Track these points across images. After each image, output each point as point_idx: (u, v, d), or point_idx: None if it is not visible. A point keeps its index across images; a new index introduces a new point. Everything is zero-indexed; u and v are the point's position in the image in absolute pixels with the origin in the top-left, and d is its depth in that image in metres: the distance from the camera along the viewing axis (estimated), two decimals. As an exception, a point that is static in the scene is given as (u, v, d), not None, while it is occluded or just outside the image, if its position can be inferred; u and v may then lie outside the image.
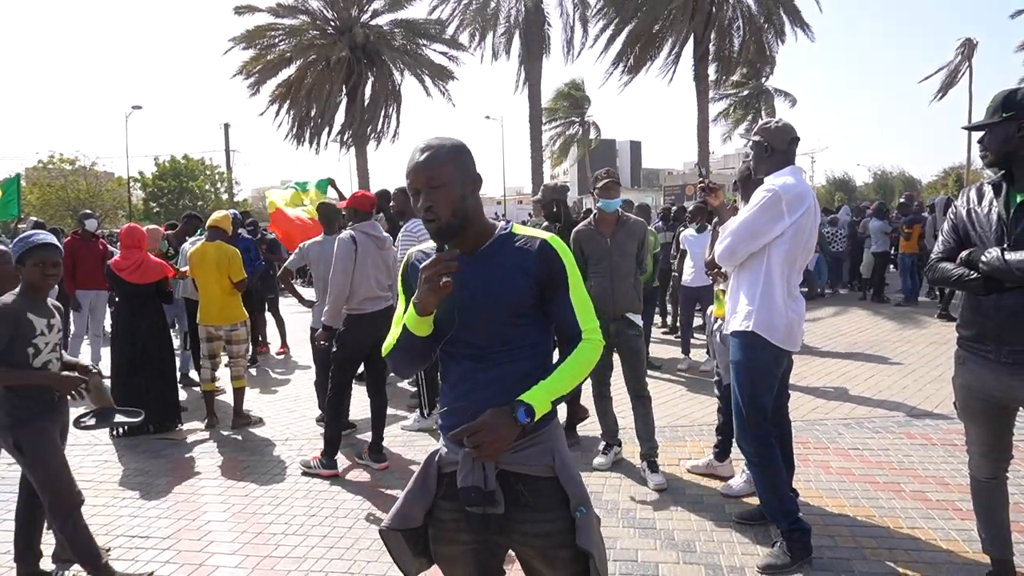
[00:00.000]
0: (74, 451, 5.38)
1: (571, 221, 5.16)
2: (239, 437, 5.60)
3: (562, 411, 4.89)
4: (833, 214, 14.20)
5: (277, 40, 25.05)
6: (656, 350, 8.21)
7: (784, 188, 3.06)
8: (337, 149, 26.92)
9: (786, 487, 3.29)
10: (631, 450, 4.61)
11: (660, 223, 10.55)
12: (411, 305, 1.70)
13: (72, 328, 8.50)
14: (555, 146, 42.94)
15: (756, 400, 3.18)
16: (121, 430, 5.56)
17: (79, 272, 7.75)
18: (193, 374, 7.25)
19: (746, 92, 33.60)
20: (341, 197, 6.79)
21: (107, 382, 3.72)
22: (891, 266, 13.45)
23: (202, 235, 7.13)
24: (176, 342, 7.08)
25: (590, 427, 5.07)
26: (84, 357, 3.39)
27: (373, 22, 25.65)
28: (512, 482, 1.70)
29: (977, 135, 2.63)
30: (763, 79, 28.38)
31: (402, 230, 5.46)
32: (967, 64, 42.78)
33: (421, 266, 1.65)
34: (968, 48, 42.87)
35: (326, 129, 26.13)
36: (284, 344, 9.31)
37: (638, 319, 4.39)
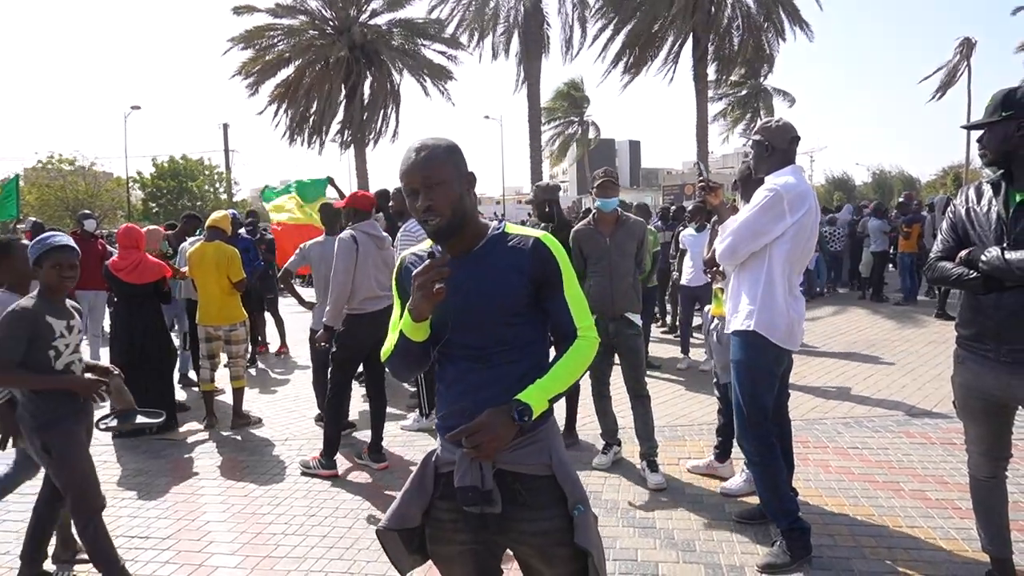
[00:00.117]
0: (73, 451, 5.38)
1: (564, 221, 5.18)
2: (238, 437, 5.60)
3: (561, 411, 4.89)
4: (832, 213, 14.20)
5: (276, 40, 25.03)
6: (655, 350, 8.21)
7: (786, 187, 3.06)
8: (336, 149, 26.95)
9: (786, 486, 3.30)
10: (631, 450, 4.61)
11: (659, 223, 10.55)
12: (407, 311, 1.70)
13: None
14: (554, 146, 42.93)
15: (757, 399, 3.18)
16: (120, 431, 5.56)
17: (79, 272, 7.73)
18: (192, 374, 7.24)
19: (744, 92, 33.63)
20: (341, 195, 6.77)
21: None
22: (890, 265, 13.46)
23: (201, 235, 7.13)
24: (176, 342, 7.08)
25: (590, 427, 5.07)
26: (84, 356, 3.37)
27: (372, 22, 25.64)
28: (509, 481, 1.70)
29: (976, 134, 2.63)
30: (762, 78, 28.37)
31: (401, 230, 5.46)
32: (965, 63, 42.83)
33: (414, 272, 1.65)
34: (967, 47, 42.93)
35: (325, 129, 26.10)
36: (283, 344, 9.31)
37: (637, 318, 4.40)
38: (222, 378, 6.37)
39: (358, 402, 6.17)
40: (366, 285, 4.68)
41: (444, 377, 1.80)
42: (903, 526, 3.53)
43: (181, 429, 5.79)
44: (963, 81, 42.84)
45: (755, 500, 3.73)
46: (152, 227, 7.43)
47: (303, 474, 4.64)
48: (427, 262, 1.63)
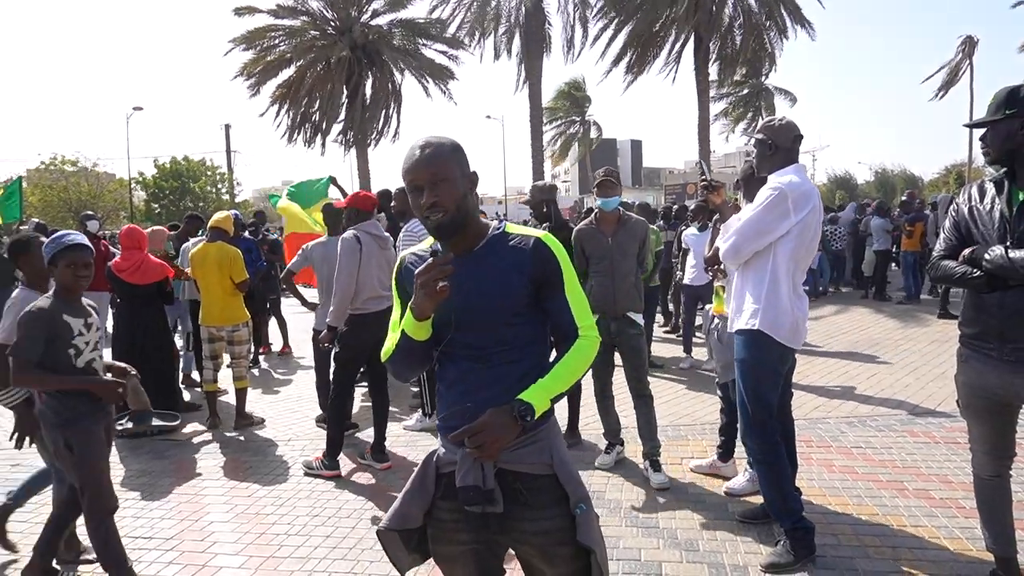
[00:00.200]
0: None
1: (561, 221, 5.19)
2: (242, 438, 5.60)
3: (562, 412, 4.89)
4: (834, 212, 14.18)
5: (277, 41, 25.07)
6: (658, 349, 8.21)
7: (790, 186, 3.06)
8: (338, 149, 26.97)
9: (791, 485, 3.29)
10: (634, 449, 4.61)
11: (661, 222, 10.54)
12: (409, 310, 1.69)
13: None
14: (556, 145, 42.95)
15: (761, 398, 3.18)
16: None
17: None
18: (196, 375, 7.25)
19: (746, 91, 33.60)
20: (344, 194, 6.77)
21: None
22: (893, 264, 13.44)
23: (203, 236, 7.14)
24: (179, 343, 7.09)
25: (592, 427, 5.07)
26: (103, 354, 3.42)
27: (373, 22, 25.66)
28: (510, 481, 1.70)
29: (978, 132, 2.63)
30: (763, 77, 28.33)
31: (403, 230, 5.46)
32: (968, 62, 42.74)
33: (417, 271, 1.65)
34: (969, 46, 42.84)
35: (327, 129, 26.13)
36: (286, 344, 9.32)
37: (639, 318, 4.39)
38: (225, 379, 6.37)
39: (360, 402, 6.18)
40: (369, 285, 4.68)
41: (444, 377, 1.80)
42: (907, 525, 3.53)
43: (185, 430, 5.79)
44: (965, 79, 42.77)
45: (758, 500, 3.73)
46: (156, 228, 7.44)
47: (306, 474, 4.64)
48: (430, 260, 1.62)
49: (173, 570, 3.42)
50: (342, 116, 25.81)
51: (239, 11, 24.22)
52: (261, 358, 8.79)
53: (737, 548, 3.36)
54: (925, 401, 5.77)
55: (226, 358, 6.04)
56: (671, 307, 10.02)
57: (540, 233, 1.79)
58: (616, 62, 24.91)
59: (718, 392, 4.33)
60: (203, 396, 6.19)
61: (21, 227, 11.19)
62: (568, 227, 5.22)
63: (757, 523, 3.57)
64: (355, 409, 5.55)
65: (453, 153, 1.72)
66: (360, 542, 3.60)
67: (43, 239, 3.32)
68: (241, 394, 5.86)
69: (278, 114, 25.72)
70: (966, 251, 2.54)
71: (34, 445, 3.43)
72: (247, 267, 6.04)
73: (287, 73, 25.16)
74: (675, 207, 11.98)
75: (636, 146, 70.54)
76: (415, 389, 6.29)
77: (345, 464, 4.76)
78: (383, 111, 26.19)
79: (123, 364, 3.29)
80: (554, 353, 1.82)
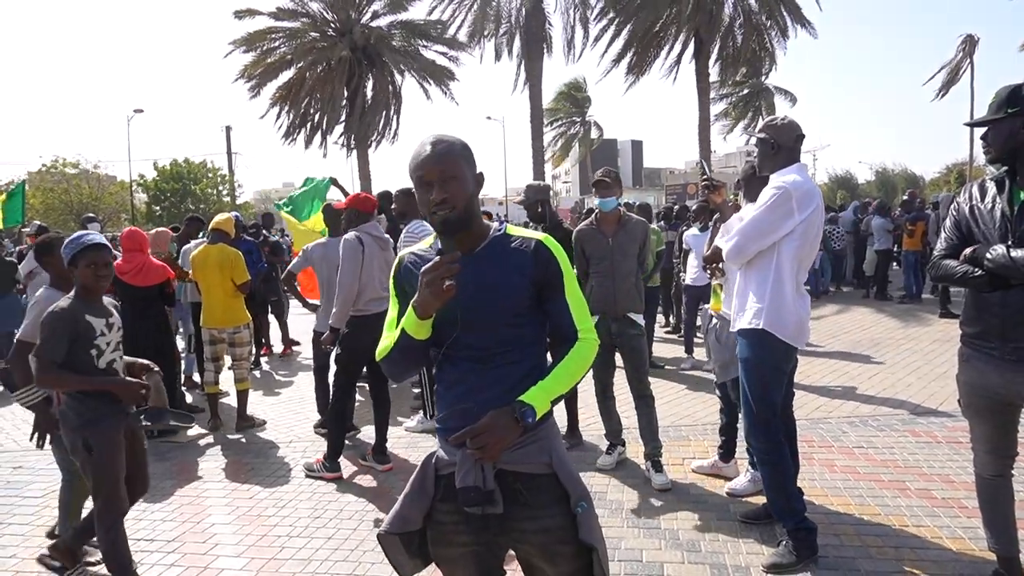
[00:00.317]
0: (79, 454, 5.39)
1: (556, 222, 5.19)
2: (243, 439, 5.61)
3: (561, 413, 4.89)
4: (834, 212, 14.17)
5: (277, 43, 25.05)
6: (659, 350, 8.21)
7: (794, 185, 3.07)
8: (338, 151, 26.96)
9: (794, 485, 3.29)
10: (635, 450, 4.61)
11: (662, 222, 10.54)
12: (411, 308, 1.69)
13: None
14: (556, 146, 42.94)
15: (766, 397, 3.18)
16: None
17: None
18: (197, 377, 7.25)
19: (746, 91, 33.57)
20: (345, 194, 6.76)
21: None
22: (894, 264, 13.43)
23: (204, 238, 7.14)
24: (181, 345, 7.09)
25: (594, 427, 5.07)
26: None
27: (373, 24, 25.65)
28: (510, 481, 1.70)
29: (979, 131, 2.62)
30: (763, 77, 28.31)
31: (404, 231, 5.45)
32: (968, 61, 42.70)
33: (422, 268, 1.64)
34: (970, 44, 42.79)
35: (328, 131, 26.13)
36: (287, 346, 9.33)
37: (640, 318, 4.39)
38: (226, 380, 6.38)
39: (361, 404, 6.17)
40: (371, 287, 4.68)
41: (444, 378, 1.80)
42: (909, 525, 3.52)
43: (190, 433, 5.79)
44: (966, 78, 42.72)
45: (760, 500, 3.73)
46: (160, 229, 7.45)
47: (307, 476, 4.64)
48: (437, 258, 1.62)
49: (175, 572, 3.42)
50: (343, 118, 25.81)
51: (239, 14, 24.21)
52: (262, 360, 8.79)
53: (739, 549, 3.36)
54: (927, 401, 5.76)
55: (227, 360, 6.04)
56: (672, 306, 10.02)
57: (541, 235, 1.79)
58: (616, 62, 24.90)
59: (717, 392, 4.33)
60: (204, 398, 6.20)
61: (23, 229, 11.22)
62: (562, 227, 5.22)
63: (759, 523, 3.57)
64: (355, 411, 5.54)
65: (463, 152, 1.73)
66: (362, 544, 3.60)
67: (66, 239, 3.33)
68: (242, 396, 5.86)
69: (279, 116, 25.71)
70: (967, 250, 2.54)
71: (51, 444, 3.43)
72: (248, 269, 6.04)
73: (287, 75, 25.15)
74: (676, 207, 11.98)
75: (637, 146, 70.53)
76: (416, 391, 6.29)
77: (346, 466, 4.75)
78: (383, 112, 26.16)
79: (146, 361, 3.30)
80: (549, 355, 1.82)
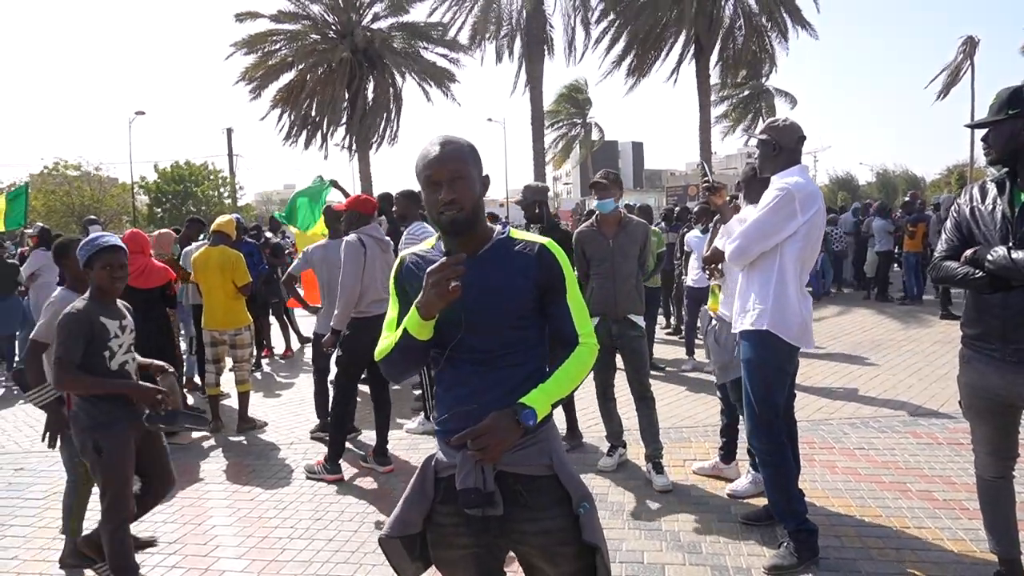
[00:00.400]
0: (80, 456, 5.40)
1: (553, 223, 5.18)
2: (244, 441, 5.61)
3: (559, 415, 4.88)
4: (834, 213, 14.18)
5: (279, 45, 25.09)
6: (660, 351, 8.21)
7: (797, 187, 3.07)
8: (339, 152, 26.99)
9: (796, 487, 3.28)
10: (636, 451, 4.60)
11: (663, 224, 10.54)
12: (414, 308, 1.68)
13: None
14: (557, 148, 42.95)
15: (768, 399, 3.18)
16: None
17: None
18: (198, 379, 7.26)
19: (746, 92, 33.57)
20: (346, 195, 6.76)
21: None
22: (895, 265, 13.43)
23: (205, 239, 7.14)
24: (182, 347, 7.10)
25: (594, 429, 5.07)
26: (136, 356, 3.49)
27: (374, 26, 25.68)
28: (510, 483, 1.70)
29: (980, 133, 2.62)
30: (764, 79, 28.33)
31: (405, 233, 5.45)
32: (969, 62, 42.69)
33: (428, 269, 1.64)
34: (970, 46, 42.78)
35: (329, 133, 26.16)
36: (288, 348, 9.33)
37: (640, 320, 4.39)
38: (227, 382, 6.38)
39: (362, 406, 6.17)
40: (373, 288, 4.69)
41: (444, 380, 1.80)
42: (910, 527, 3.52)
43: (194, 435, 5.79)
44: (966, 80, 42.71)
45: (761, 501, 3.73)
46: (163, 231, 7.45)
47: (308, 478, 4.64)
48: (443, 259, 1.62)
49: (176, 573, 3.42)
50: (343, 120, 25.84)
51: (240, 16, 24.27)
52: (263, 362, 8.80)
53: (740, 550, 3.36)
54: (928, 402, 5.76)
55: (228, 362, 6.05)
56: (672, 308, 10.02)
57: (544, 240, 1.80)
58: (617, 64, 24.94)
59: (718, 394, 4.33)
60: (206, 400, 6.20)
61: (25, 231, 11.23)
62: (559, 228, 5.23)
63: (760, 525, 3.57)
64: (356, 413, 5.53)
65: (471, 153, 1.75)
66: (363, 545, 3.60)
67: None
68: (243, 398, 5.86)
69: (280, 118, 25.74)
70: (968, 252, 2.54)
71: (60, 444, 3.44)
72: (249, 270, 6.05)
73: (288, 77, 25.18)
74: (677, 209, 11.98)
75: (638, 148, 70.58)
76: (417, 392, 6.29)
77: (347, 468, 4.75)
78: (384, 114, 26.19)
79: (161, 363, 3.31)
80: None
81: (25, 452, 5.62)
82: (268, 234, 11.92)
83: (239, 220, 7.68)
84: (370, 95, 25.67)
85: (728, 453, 4.29)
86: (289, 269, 5.88)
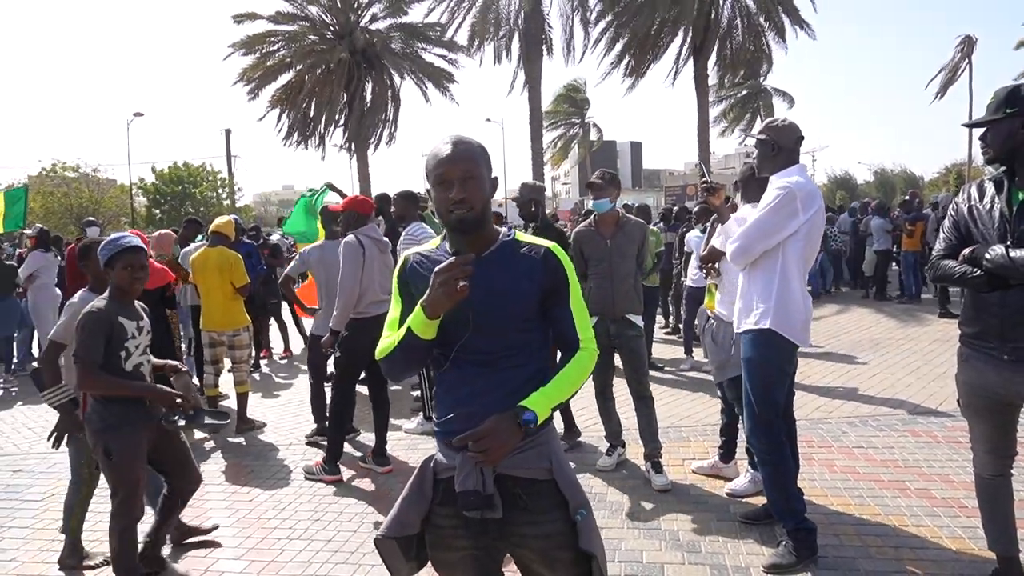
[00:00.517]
0: (78, 458, 5.39)
1: (547, 222, 5.18)
2: (243, 442, 5.60)
3: (556, 413, 4.89)
4: (832, 212, 14.21)
5: (277, 46, 25.09)
6: (659, 351, 8.21)
7: (797, 186, 3.09)
8: (338, 153, 26.99)
9: (795, 486, 3.29)
10: (635, 451, 4.61)
11: (661, 224, 10.54)
12: (419, 308, 1.67)
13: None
14: (556, 148, 42.97)
15: (768, 398, 3.18)
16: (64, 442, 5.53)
17: (82, 279, 7.80)
18: (197, 380, 7.25)
19: (744, 92, 33.61)
20: (343, 196, 6.75)
21: None
22: (894, 264, 13.46)
23: (203, 240, 7.14)
24: (181, 347, 7.09)
25: (593, 429, 5.07)
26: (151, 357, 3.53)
27: (373, 26, 25.68)
28: (510, 486, 1.70)
29: (978, 132, 2.63)
30: (761, 79, 28.35)
31: (403, 234, 5.45)
32: (967, 61, 42.76)
33: (436, 268, 1.63)
34: (968, 45, 42.85)
35: (326, 133, 26.17)
36: (287, 348, 9.33)
37: (638, 320, 4.39)
38: (226, 383, 6.38)
39: (360, 406, 6.17)
40: (371, 289, 4.68)
41: (445, 380, 1.79)
42: (909, 525, 3.52)
43: (196, 435, 5.79)
44: (964, 79, 42.79)
45: (760, 500, 3.73)
46: (163, 231, 7.44)
47: (307, 479, 4.64)
48: (452, 259, 1.62)
49: (174, 573, 3.41)
50: (342, 120, 25.83)
51: (238, 18, 24.26)
52: (262, 362, 8.79)
53: (739, 549, 3.36)
54: (926, 401, 5.76)
55: (227, 363, 6.04)
56: (671, 308, 10.03)
57: (550, 244, 1.80)
58: (616, 65, 24.96)
59: (718, 393, 4.33)
60: (204, 401, 6.19)
61: (25, 231, 11.22)
62: (554, 228, 5.23)
63: (759, 524, 3.57)
64: (355, 413, 5.51)
65: (482, 154, 1.75)
66: (362, 546, 3.60)
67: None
68: (242, 398, 5.86)
69: (279, 119, 25.75)
70: (966, 251, 2.54)
71: (68, 446, 3.45)
72: (247, 271, 6.04)
73: (286, 77, 25.19)
74: (675, 208, 11.99)
75: (636, 148, 70.66)
76: (416, 393, 6.29)
77: (346, 469, 4.75)
78: (382, 115, 26.20)
79: (175, 363, 3.31)
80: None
81: (23, 454, 5.61)
82: (275, 235, 11.93)
83: (237, 221, 7.68)
84: (368, 96, 25.67)
85: (727, 452, 4.29)
86: (286, 271, 5.86)
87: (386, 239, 5.06)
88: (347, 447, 5.01)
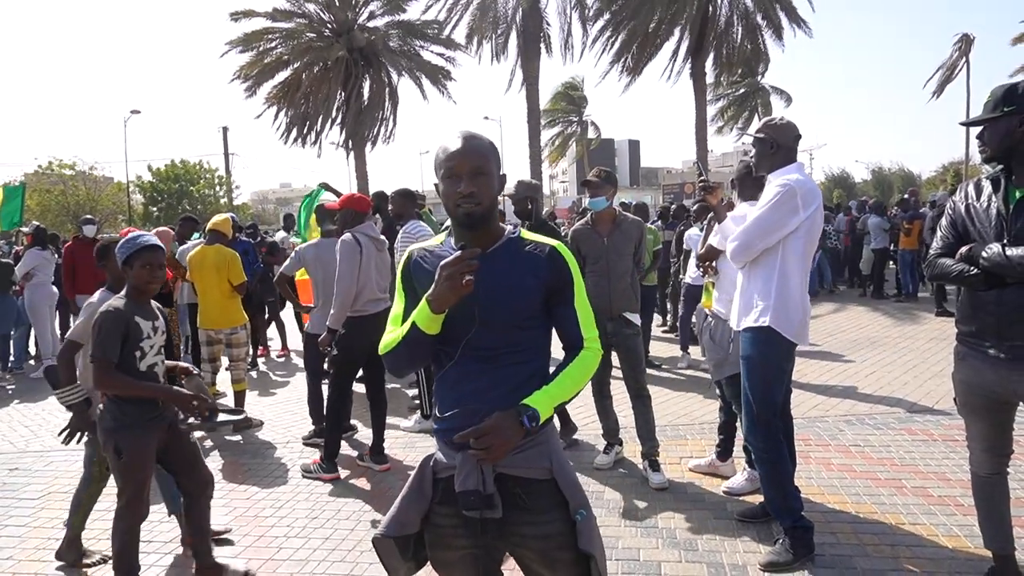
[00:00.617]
0: (74, 456, 5.36)
1: (541, 220, 5.18)
2: (240, 440, 5.59)
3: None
4: (829, 211, 14.26)
5: (274, 43, 24.99)
6: (656, 349, 8.21)
7: (798, 183, 3.10)
8: (335, 151, 26.93)
9: (792, 484, 3.29)
10: (632, 449, 4.61)
11: (659, 222, 10.54)
12: (424, 302, 1.67)
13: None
14: (554, 146, 42.96)
15: (767, 396, 3.18)
16: (76, 439, 5.52)
17: (79, 276, 7.79)
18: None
19: (742, 90, 33.62)
20: (337, 195, 6.73)
21: None
22: (891, 262, 13.49)
23: (200, 238, 7.12)
24: (179, 346, 7.08)
25: (590, 427, 5.07)
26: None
27: (370, 24, 25.62)
28: (510, 485, 1.69)
29: (975, 130, 2.63)
30: (759, 77, 28.35)
31: (401, 231, 5.44)
32: (964, 60, 42.80)
33: (442, 262, 1.63)
34: (965, 44, 42.88)
35: (325, 131, 26.11)
36: (284, 346, 9.32)
37: (636, 318, 4.40)
38: (223, 381, 6.37)
39: (358, 405, 6.17)
40: (368, 287, 4.67)
41: (447, 377, 1.77)
42: (905, 523, 3.53)
43: (196, 435, 5.78)
44: (961, 77, 42.83)
45: (757, 499, 3.74)
46: (162, 229, 7.43)
47: (304, 477, 4.64)
48: (457, 253, 1.62)
49: (172, 573, 3.42)
50: (339, 118, 25.78)
51: (235, 15, 24.17)
52: (259, 360, 8.79)
53: (736, 547, 3.37)
54: (923, 399, 5.78)
55: (224, 360, 6.03)
56: (668, 306, 10.03)
57: (555, 242, 1.80)
58: (614, 63, 24.90)
59: (716, 391, 4.33)
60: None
61: (22, 229, 11.21)
62: (547, 225, 5.23)
63: (756, 522, 3.58)
64: (352, 411, 5.51)
65: (492, 151, 1.75)
66: (359, 544, 3.60)
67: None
68: (239, 396, 5.85)
69: (276, 116, 25.66)
70: (963, 249, 2.54)
71: (82, 442, 3.45)
72: (244, 269, 6.03)
73: (284, 75, 25.09)
74: (673, 206, 11.99)
75: (634, 146, 70.73)
76: (414, 391, 6.29)
77: (344, 467, 4.75)
78: (380, 112, 26.15)
79: (186, 364, 3.31)
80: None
81: (20, 452, 5.60)
82: (282, 233, 11.90)
83: (234, 219, 7.67)
84: (366, 93, 25.61)
85: (725, 450, 4.30)
86: (281, 269, 5.82)
87: (383, 237, 5.04)
88: (344, 445, 5.01)
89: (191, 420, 3.17)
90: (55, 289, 8.72)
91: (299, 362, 8.69)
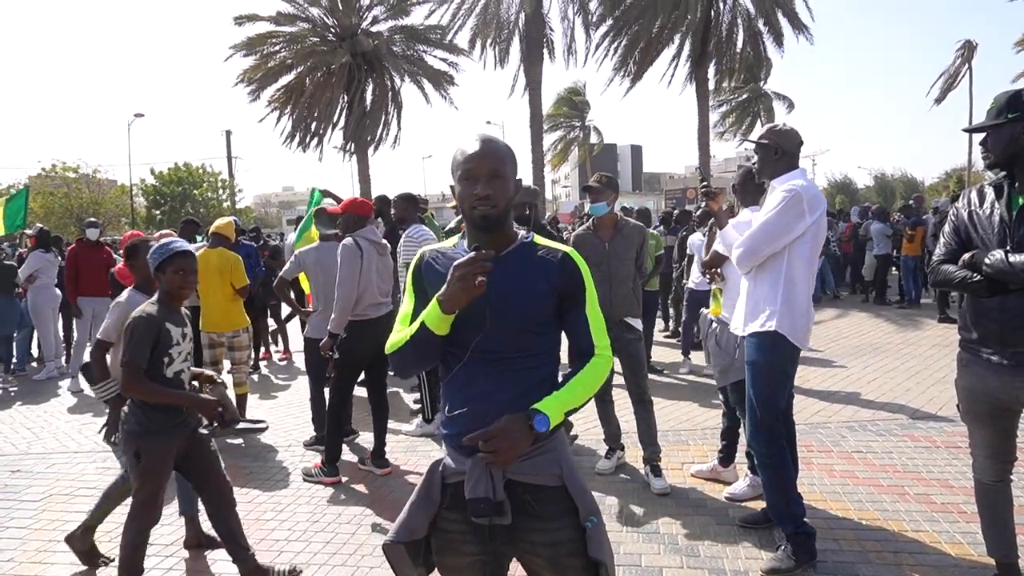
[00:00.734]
0: (76, 458, 5.39)
1: (540, 225, 5.18)
2: (242, 443, 5.59)
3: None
4: (832, 217, 14.31)
5: (278, 47, 25.07)
6: (658, 354, 8.21)
7: (804, 189, 3.10)
8: (338, 155, 26.96)
9: (795, 490, 3.29)
10: (634, 454, 4.60)
11: (661, 227, 10.55)
12: (435, 302, 1.67)
13: (75, 335, 8.54)
14: (556, 151, 43.03)
15: (771, 401, 3.18)
16: (114, 436, 5.54)
17: (82, 279, 7.81)
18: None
19: (744, 96, 33.66)
20: (337, 200, 6.73)
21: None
22: (894, 268, 13.49)
23: (202, 241, 7.14)
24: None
25: (592, 432, 5.06)
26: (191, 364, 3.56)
27: (374, 29, 25.69)
28: (519, 492, 1.68)
29: (978, 136, 2.63)
30: (761, 83, 28.38)
31: (403, 236, 5.45)
32: (967, 66, 42.83)
33: (455, 263, 1.63)
34: (968, 50, 42.94)
35: (327, 135, 26.16)
36: (286, 350, 9.32)
37: (637, 323, 4.39)
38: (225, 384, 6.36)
39: (359, 408, 6.16)
40: (370, 291, 4.67)
41: (455, 379, 1.77)
42: (908, 530, 3.52)
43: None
44: (964, 83, 42.86)
45: (759, 504, 3.73)
46: (165, 232, 7.44)
47: (306, 481, 4.63)
48: (471, 254, 1.62)
49: (173, 576, 3.42)
50: (343, 122, 25.84)
51: (239, 19, 24.26)
52: (261, 364, 8.79)
53: (738, 553, 3.36)
54: (926, 405, 5.76)
55: (226, 364, 6.03)
56: (671, 311, 10.03)
57: (567, 248, 1.81)
58: (618, 70, 24.96)
59: (720, 396, 4.32)
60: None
61: (26, 231, 11.24)
62: (545, 230, 5.23)
63: (758, 528, 3.57)
64: (353, 415, 5.51)
65: (509, 155, 1.77)
66: (360, 548, 3.59)
67: (152, 243, 3.38)
68: (241, 400, 5.85)
69: (279, 120, 25.70)
70: (966, 255, 2.54)
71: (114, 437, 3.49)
72: (247, 273, 6.04)
73: (287, 79, 25.16)
74: (675, 212, 11.99)
75: (636, 151, 70.74)
76: (415, 395, 6.28)
77: (345, 471, 4.75)
78: (383, 117, 26.20)
79: (210, 372, 3.32)
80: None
81: (22, 454, 5.60)
82: (291, 235, 11.88)
83: (237, 222, 7.68)
84: (369, 97, 25.67)
85: (727, 456, 4.29)
86: (281, 273, 5.79)
87: (385, 241, 5.04)
88: (345, 450, 5.01)
89: (214, 430, 3.18)
90: (58, 292, 8.73)
91: (301, 365, 8.69)
